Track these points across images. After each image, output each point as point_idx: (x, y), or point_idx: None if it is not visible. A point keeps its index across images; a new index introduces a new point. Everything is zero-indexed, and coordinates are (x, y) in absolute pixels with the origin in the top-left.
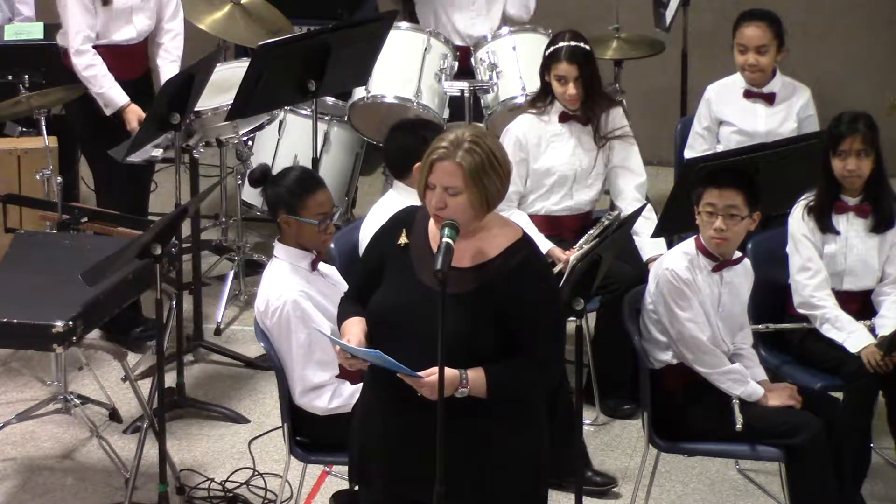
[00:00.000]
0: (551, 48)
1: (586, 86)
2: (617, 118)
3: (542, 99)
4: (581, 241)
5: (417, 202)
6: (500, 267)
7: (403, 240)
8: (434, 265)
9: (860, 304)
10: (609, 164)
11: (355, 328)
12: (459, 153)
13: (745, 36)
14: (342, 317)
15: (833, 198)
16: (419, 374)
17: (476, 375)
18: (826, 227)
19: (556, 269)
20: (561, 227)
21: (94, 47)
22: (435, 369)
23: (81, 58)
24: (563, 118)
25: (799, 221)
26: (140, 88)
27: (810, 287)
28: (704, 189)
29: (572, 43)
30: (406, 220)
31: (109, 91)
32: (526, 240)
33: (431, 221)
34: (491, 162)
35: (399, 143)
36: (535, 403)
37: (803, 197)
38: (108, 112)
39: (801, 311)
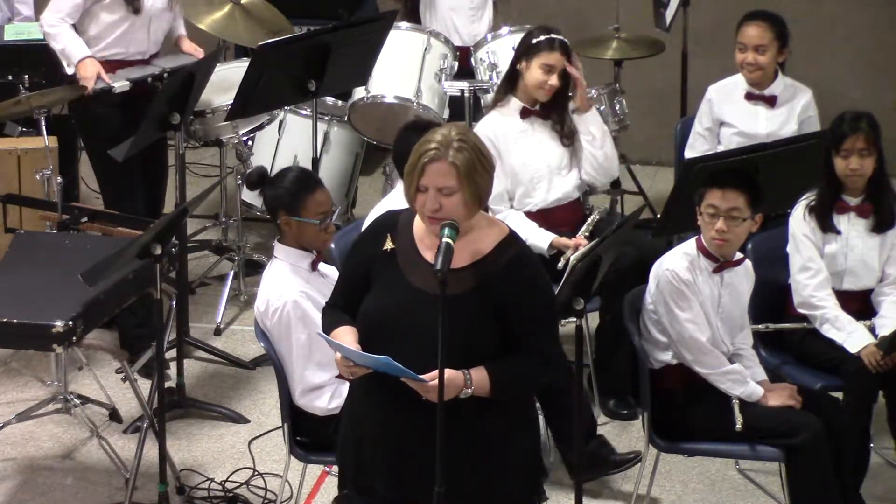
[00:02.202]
0: (540, 38)
1: (564, 81)
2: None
3: (504, 89)
4: (582, 230)
5: None
6: (488, 267)
7: (389, 245)
8: (427, 267)
9: (860, 304)
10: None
11: (348, 337)
12: (451, 153)
13: (745, 35)
14: (330, 326)
15: (834, 197)
16: (423, 377)
17: (479, 375)
18: (827, 226)
19: (565, 257)
20: (556, 221)
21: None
22: (436, 372)
23: (50, 22)
24: (524, 114)
25: (800, 221)
26: (141, 103)
27: (811, 287)
28: (706, 190)
29: (559, 36)
30: (389, 225)
31: (69, 46)
32: (513, 236)
33: (417, 224)
34: (479, 158)
35: (411, 144)
36: (531, 402)
37: (804, 196)
38: (68, 70)
39: (801, 310)
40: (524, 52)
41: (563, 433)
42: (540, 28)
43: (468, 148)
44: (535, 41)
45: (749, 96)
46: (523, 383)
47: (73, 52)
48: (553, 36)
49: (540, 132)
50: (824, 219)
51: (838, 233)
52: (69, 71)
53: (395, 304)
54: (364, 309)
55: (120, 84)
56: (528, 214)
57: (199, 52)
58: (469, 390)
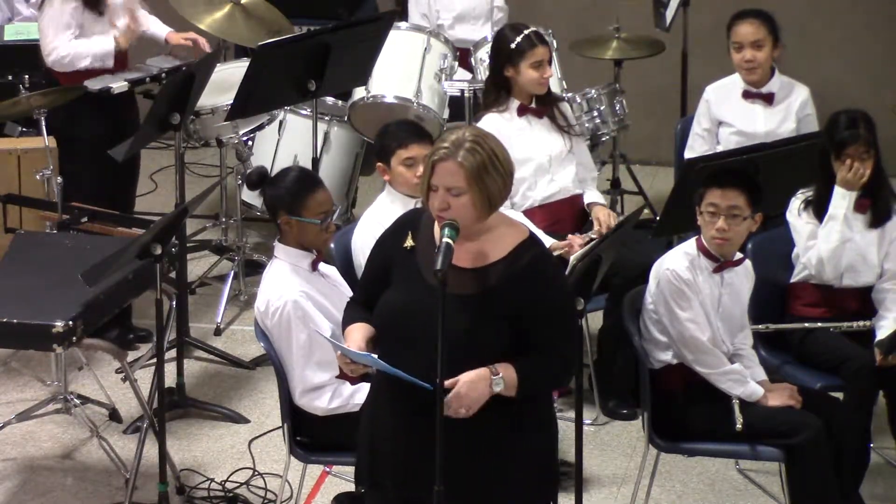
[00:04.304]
0: (516, 39)
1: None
2: (570, 114)
3: (497, 95)
4: (584, 236)
5: (407, 207)
6: (507, 268)
7: (410, 242)
8: (434, 265)
9: (859, 303)
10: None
11: (357, 334)
12: (461, 153)
13: (740, 33)
14: (346, 322)
15: (831, 194)
16: (426, 384)
17: (508, 372)
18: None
19: (555, 253)
20: (557, 216)
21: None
22: (455, 379)
23: (61, 54)
24: (521, 111)
25: (797, 217)
26: (122, 101)
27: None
28: (707, 189)
29: (529, 28)
30: (412, 222)
31: (93, 49)
32: (533, 239)
33: (437, 223)
34: (492, 161)
35: (385, 138)
36: (545, 403)
37: (801, 191)
38: (118, 87)
39: (824, 270)
40: (507, 59)
41: None
42: (510, 29)
43: (481, 150)
44: (514, 45)
45: (746, 95)
46: (548, 383)
47: (102, 47)
48: (527, 32)
49: (538, 126)
50: (822, 216)
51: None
52: (120, 85)
53: (410, 301)
54: (381, 304)
55: (118, 84)
56: (532, 210)
57: (188, 42)
58: (499, 386)
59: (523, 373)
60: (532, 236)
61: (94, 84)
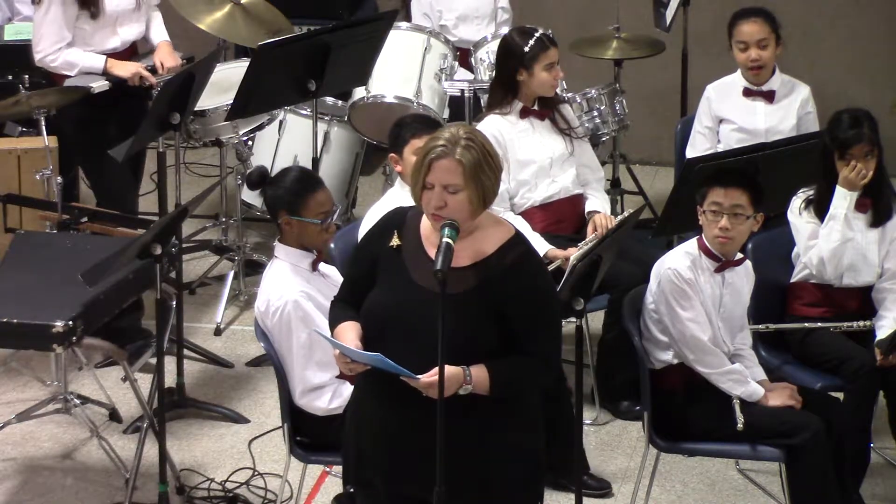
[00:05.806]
0: (529, 42)
1: None
2: (572, 116)
3: (502, 97)
4: (584, 242)
5: None
6: (493, 266)
7: (395, 241)
8: (431, 265)
9: (860, 302)
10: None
11: (350, 333)
12: (458, 150)
13: (744, 32)
14: (334, 322)
15: (833, 193)
16: (419, 376)
17: (479, 372)
18: (824, 220)
19: (553, 266)
20: (559, 215)
21: None
22: (435, 370)
23: (49, 59)
24: (524, 113)
25: (797, 216)
26: (125, 90)
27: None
28: (709, 188)
29: (540, 31)
30: (397, 221)
31: (83, 62)
32: (519, 237)
33: (424, 222)
34: (486, 158)
35: (402, 128)
36: (532, 402)
37: (801, 190)
38: (98, 86)
39: (825, 270)
40: (519, 62)
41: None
42: (519, 33)
43: (476, 147)
44: (527, 49)
45: (747, 92)
46: (523, 384)
47: (92, 63)
48: (538, 35)
49: (540, 128)
50: (823, 215)
51: None
52: (97, 86)
53: (398, 301)
54: (368, 304)
55: (98, 84)
56: (532, 210)
57: (173, 66)
58: (468, 387)
59: (495, 374)
60: (518, 234)
61: (74, 82)
